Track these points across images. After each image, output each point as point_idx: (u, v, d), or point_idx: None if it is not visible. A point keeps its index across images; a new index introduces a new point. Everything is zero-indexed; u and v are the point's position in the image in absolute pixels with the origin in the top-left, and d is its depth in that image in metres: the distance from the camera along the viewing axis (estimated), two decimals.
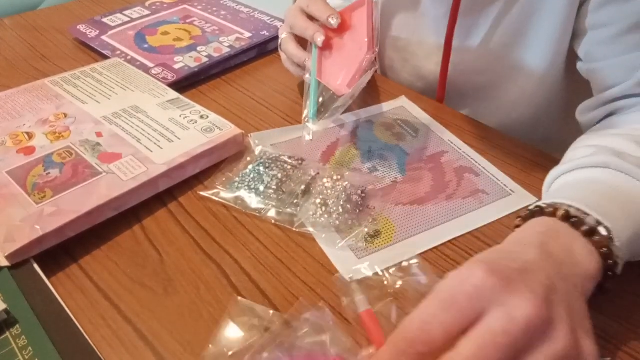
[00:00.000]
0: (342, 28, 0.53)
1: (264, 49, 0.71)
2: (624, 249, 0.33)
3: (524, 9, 0.54)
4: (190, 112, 0.54)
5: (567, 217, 0.33)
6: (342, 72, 0.50)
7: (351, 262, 0.41)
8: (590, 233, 0.32)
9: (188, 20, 0.76)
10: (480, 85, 0.63)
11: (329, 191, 0.46)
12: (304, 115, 0.52)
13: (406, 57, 0.67)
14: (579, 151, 0.43)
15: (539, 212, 0.35)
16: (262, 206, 0.46)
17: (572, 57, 0.55)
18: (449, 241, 0.43)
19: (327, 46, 0.53)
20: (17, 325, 0.35)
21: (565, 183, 0.40)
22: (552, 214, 0.34)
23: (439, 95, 0.62)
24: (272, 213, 0.45)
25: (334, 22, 0.52)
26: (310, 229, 0.44)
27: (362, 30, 0.52)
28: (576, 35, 0.53)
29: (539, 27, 0.54)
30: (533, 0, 0.53)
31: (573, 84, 0.59)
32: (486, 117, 0.62)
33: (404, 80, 0.68)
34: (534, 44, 0.56)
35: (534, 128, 0.65)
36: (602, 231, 0.32)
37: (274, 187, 0.47)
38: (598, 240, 0.32)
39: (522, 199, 0.48)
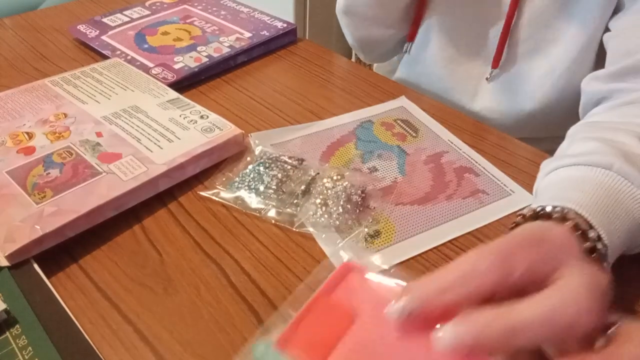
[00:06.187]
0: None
1: (264, 49, 0.71)
2: (610, 262, 0.34)
3: None
4: (190, 112, 0.54)
5: (574, 229, 0.32)
6: None
7: None
8: (590, 250, 0.32)
9: (188, 20, 0.76)
10: (520, 52, 0.64)
11: (329, 191, 0.46)
12: None
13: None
14: (581, 145, 0.42)
15: (545, 215, 0.34)
16: (262, 206, 0.46)
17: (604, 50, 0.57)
18: (449, 241, 0.43)
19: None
20: (17, 325, 0.35)
21: (567, 177, 0.39)
22: (560, 221, 0.32)
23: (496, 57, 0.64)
24: (272, 213, 0.45)
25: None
26: (310, 229, 0.44)
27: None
28: (615, 12, 0.55)
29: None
30: None
31: None
32: (521, 87, 0.64)
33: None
34: (579, 14, 0.57)
35: (547, 120, 0.65)
36: (601, 249, 0.32)
37: (274, 187, 0.47)
38: (595, 258, 0.32)
39: (522, 199, 0.48)
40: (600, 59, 0.59)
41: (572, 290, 0.27)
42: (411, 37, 0.72)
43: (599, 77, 0.51)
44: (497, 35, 0.63)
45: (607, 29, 0.56)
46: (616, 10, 0.55)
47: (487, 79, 0.66)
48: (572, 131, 0.47)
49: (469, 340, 0.26)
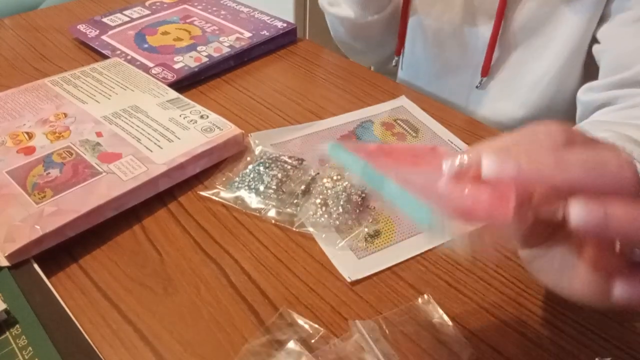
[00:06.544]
0: None
1: (264, 49, 0.71)
2: None
3: None
4: (190, 112, 0.54)
5: None
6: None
7: (351, 262, 0.41)
8: None
9: (188, 20, 0.76)
10: (509, 60, 0.64)
11: (329, 191, 0.46)
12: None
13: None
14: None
15: None
16: (262, 206, 0.46)
17: (592, 55, 0.57)
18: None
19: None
20: (17, 325, 0.35)
21: None
22: None
23: (485, 67, 0.65)
24: (272, 213, 0.45)
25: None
26: (310, 229, 0.44)
27: None
28: (602, 20, 0.55)
29: (572, 5, 0.56)
30: None
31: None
32: (512, 95, 0.64)
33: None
34: (566, 22, 0.57)
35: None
36: None
37: (274, 187, 0.47)
38: None
39: None
40: (588, 66, 0.60)
41: (621, 154, 0.25)
42: (398, 52, 0.73)
43: (596, 88, 0.51)
44: (485, 44, 0.63)
45: (595, 39, 0.56)
46: (603, 18, 0.55)
47: (477, 87, 0.66)
48: None
49: (512, 170, 0.24)
